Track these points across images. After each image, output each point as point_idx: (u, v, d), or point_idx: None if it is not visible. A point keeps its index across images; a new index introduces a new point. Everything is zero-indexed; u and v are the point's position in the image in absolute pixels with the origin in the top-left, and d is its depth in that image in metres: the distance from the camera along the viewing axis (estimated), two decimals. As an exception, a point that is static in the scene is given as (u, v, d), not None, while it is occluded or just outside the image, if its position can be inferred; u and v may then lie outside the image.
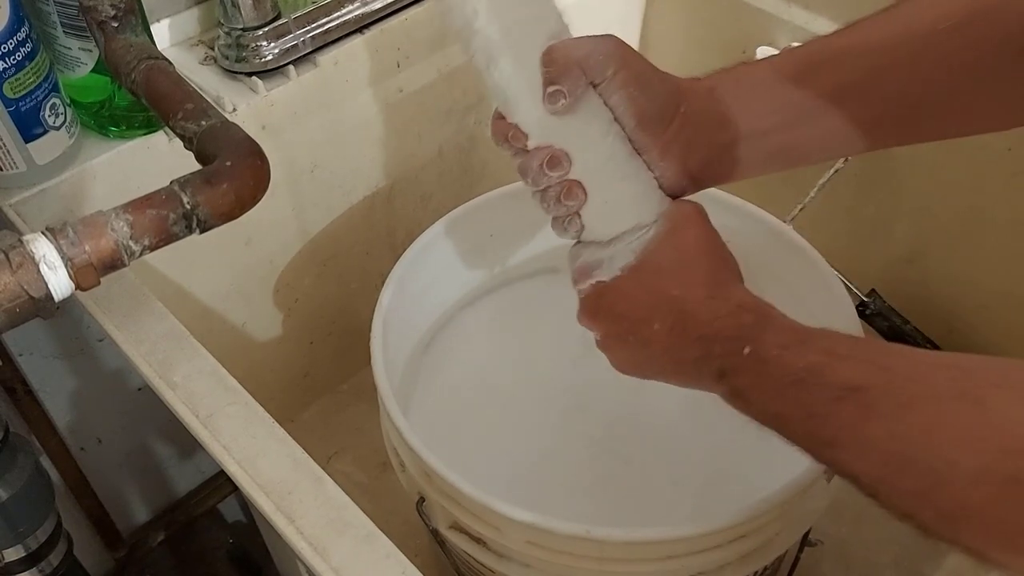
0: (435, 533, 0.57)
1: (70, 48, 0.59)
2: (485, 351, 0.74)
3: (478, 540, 0.55)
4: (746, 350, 0.41)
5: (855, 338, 0.42)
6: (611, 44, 0.46)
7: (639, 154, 0.49)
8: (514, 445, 0.70)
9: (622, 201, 0.48)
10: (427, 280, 0.68)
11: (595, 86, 0.46)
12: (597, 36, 0.47)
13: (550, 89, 0.45)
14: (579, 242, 0.51)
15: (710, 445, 0.64)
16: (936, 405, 0.35)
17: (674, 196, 0.50)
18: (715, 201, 0.69)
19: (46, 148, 0.59)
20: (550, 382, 0.73)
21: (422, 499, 0.56)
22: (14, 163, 0.58)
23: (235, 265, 0.73)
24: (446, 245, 0.69)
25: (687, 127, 0.48)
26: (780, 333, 0.42)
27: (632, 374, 0.49)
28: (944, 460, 0.34)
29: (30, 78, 0.56)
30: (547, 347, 0.72)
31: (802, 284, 0.63)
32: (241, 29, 0.65)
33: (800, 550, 0.66)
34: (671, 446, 0.64)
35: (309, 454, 0.46)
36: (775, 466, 0.51)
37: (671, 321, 0.45)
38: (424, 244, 0.66)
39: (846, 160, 0.77)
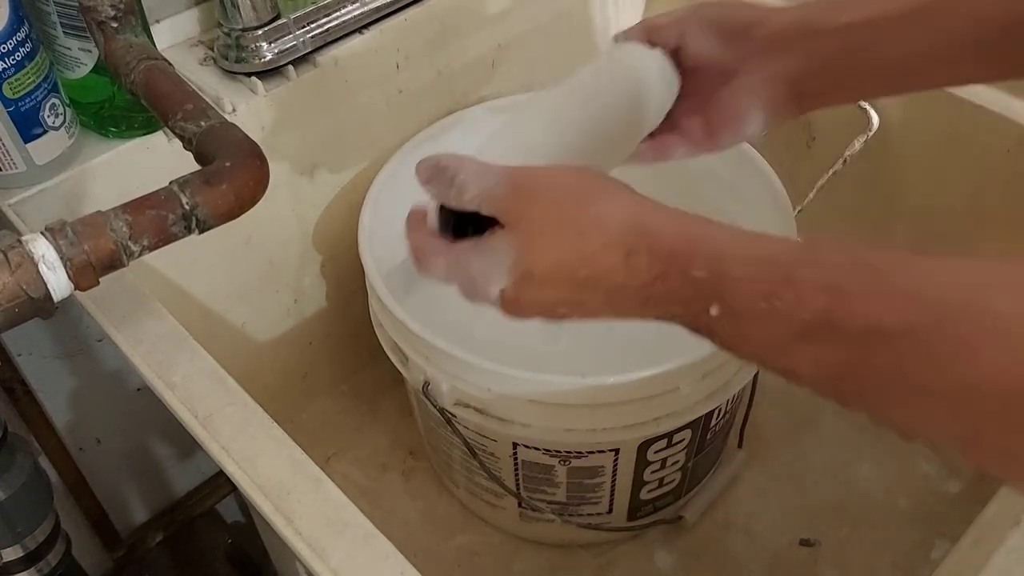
0: (443, 412, 0.62)
1: (70, 48, 0.59)
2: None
3: (481, 411, 0.60)
4: (713, 311, 0.34)
5: (849, 261, 0.32)
6: None
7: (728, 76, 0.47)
8: (488, 327, 0.75)
9: None
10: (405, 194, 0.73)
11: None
12: None
13: None
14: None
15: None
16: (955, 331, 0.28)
17: (776, 115, 0.47)
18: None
19: (46, 148, 0.59)
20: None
21: (427, 383, 0.61)
22: (13, 163, 0.58)
23: (235, 265, 0.73)
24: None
25: (776, 37, 0.46)
26: (751, 282, 0.33)
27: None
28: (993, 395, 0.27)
29: (30, 78, 0.56)
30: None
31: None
32: (241, 29, 0.65)
33: (751, 395, 0.76)
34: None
35: (308, 454, 0.46)
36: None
37: (602, 297, 0.37)
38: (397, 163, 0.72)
39: (845, 161, 0.77)
